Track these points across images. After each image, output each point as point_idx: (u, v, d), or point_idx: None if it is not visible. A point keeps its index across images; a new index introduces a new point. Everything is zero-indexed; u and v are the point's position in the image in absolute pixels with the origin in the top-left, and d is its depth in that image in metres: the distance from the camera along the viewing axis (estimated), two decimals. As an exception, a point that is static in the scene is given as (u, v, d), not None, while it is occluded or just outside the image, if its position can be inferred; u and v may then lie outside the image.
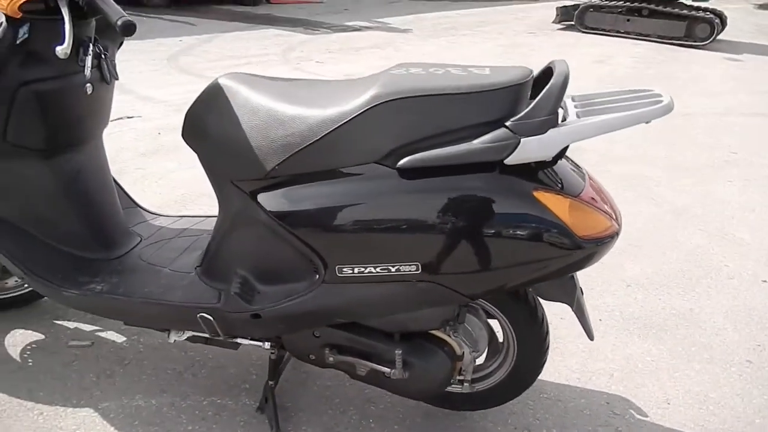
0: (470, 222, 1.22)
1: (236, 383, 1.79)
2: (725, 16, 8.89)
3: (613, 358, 1.98)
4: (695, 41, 8.70)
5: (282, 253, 1.37)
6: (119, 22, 1.29)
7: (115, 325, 2.00)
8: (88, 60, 1.53)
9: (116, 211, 1.78)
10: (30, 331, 1.95)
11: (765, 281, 2.52)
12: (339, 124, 1.24)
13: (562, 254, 1.21)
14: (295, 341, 1.47)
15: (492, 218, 1.21)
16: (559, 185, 1.24)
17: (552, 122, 1.17)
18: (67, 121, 1.57)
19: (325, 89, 1.37)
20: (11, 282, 1.98)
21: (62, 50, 1.36)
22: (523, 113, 1.18)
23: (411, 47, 7.61)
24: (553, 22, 10.00)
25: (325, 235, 1.29)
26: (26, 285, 1.98)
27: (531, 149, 1.18)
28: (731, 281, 2.49)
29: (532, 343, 1.50)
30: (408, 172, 1.24)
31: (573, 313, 1.45)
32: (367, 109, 1.22)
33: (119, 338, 1.95)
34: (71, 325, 2.00)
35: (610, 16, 9.16)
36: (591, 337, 1.45)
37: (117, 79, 1.68)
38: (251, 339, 1.52)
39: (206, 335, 1.51)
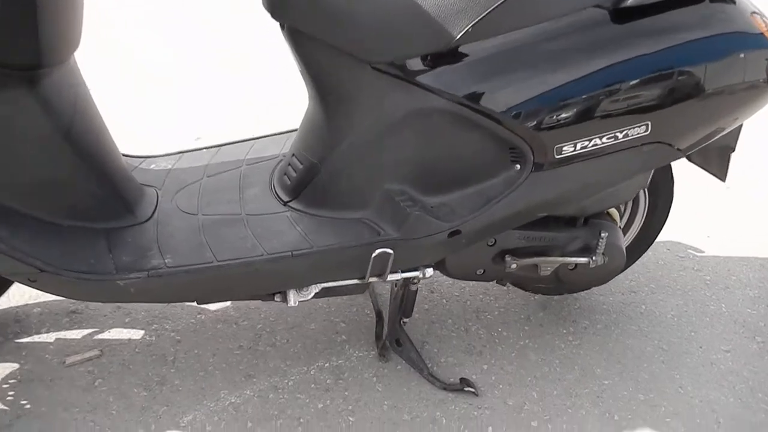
0: (697, 60, 1.05)
1: (329, 339, 1.43)
2: None
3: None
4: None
5: (467, 147, 1.06)
6: None
7: (110, 322, 1.44)
8: None
9: (120, 159, 1.21)
10: (-8, 364, 1.30)
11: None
12: None
13: None
14: (463, 258, 1.19)
15: (719, 50, 1.06)
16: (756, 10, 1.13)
17: None
18: (61, 21, 0.96)
19: None
20: None
21: None
22: None
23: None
24: None
25: (541, 111, 1.01)
26: None
27: None
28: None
29: (662, 203, 1.44)
30: (624, 16, 1.01)
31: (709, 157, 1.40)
32: None
33: (132, 335, 1.41)
34: (40, 339, 1.38)
35: None
36: (724, 179, 1.43)
37: None
38: (407, 271, 1.18)
39: (351, 282, 1.14)
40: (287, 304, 1.14)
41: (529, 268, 1.23)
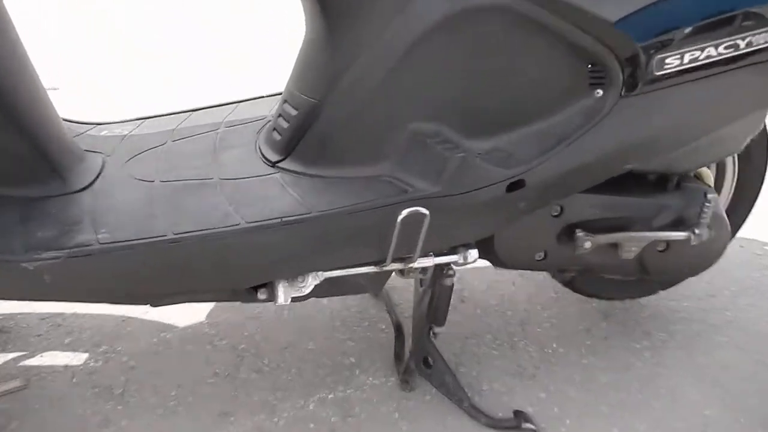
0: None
1: (334, 362, 1.09)
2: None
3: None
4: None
5: (530, 66, 0.75)
6: None
7: (44, 344, 1.10)
8: None
9: (53, 113, 0.89)
10: None
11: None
12: None
13: None
14: (519, 235, 0.86)
15: None
16: None
17: None
18: None
19: None
20: None
21: None
22: None
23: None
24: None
25: (641, 7, 0.71)
26: None
27: None
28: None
29: (757, 163, 1.11)
30: None
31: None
32: None
33: (71, 360, 1.06)
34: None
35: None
36: None
37: None
38: (443, 255, 0.85)
39: (364, 270, 0.81)
40: (275, 302, 0.80)
41: (605, 251, 0.90)
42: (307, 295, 0.82)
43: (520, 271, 1.40)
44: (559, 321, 1.23)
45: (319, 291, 0.85)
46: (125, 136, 1.01)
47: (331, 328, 1.17)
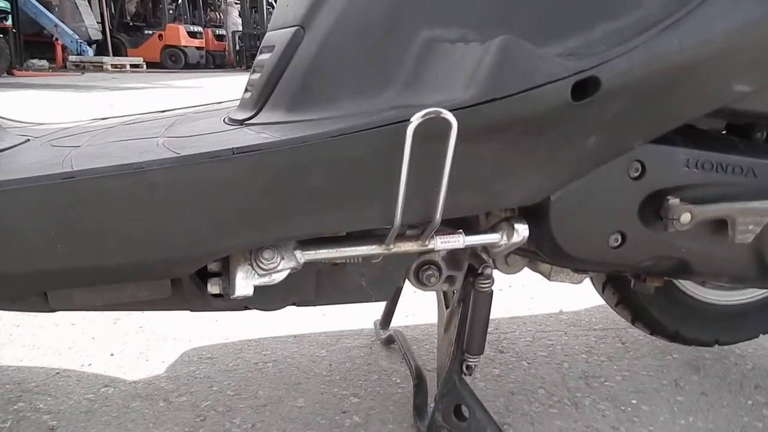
0: None
1: (330, 422, 0.78)
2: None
3: None
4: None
5: None
6: None
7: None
8: None
9: None
10: None
11: None
12: None
13: None
14: (586, 210, 0.60)
15: None
16: None
17: None
18: None
19: None
20: None
21: None
22: None
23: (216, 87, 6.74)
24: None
25: None
26: None
27: None
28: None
29: None
30: None
31: None
32: None
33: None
34: None
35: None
36: None
37: None
38: (476, 234, 0.59)
39: (364, 249, 0.55)
40: (231, 293, 0.54)
41: (710, 233, 0.63)
42: (280, 290, 0.56)
43: (572, 320, 1.12)
44: (634, 374, 0.92)
45: (298, 288, 0.58)
46: (68, 127, 0.82)
47: (328, 382, 0.88)
